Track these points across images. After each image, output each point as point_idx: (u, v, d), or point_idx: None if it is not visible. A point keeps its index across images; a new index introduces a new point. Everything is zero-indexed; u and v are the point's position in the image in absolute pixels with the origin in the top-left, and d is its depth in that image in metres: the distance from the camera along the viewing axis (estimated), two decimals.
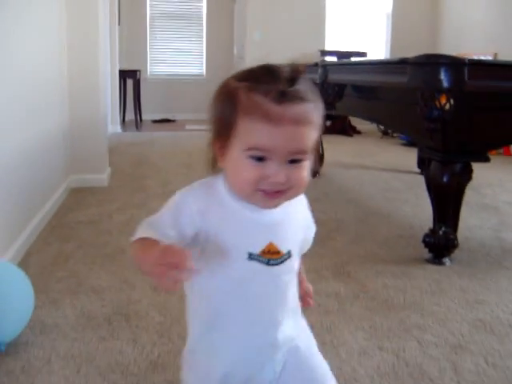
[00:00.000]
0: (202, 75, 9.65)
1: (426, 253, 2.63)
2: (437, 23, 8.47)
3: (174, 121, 9.13)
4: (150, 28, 9.31)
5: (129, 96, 8.11)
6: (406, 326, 1.96)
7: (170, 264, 0.75)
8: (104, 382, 1.58)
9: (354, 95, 3.59)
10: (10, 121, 2.46)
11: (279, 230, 0.93)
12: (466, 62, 2.32)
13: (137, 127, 7.88)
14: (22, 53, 2.70)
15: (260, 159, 0.84)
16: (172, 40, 9.49)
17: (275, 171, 0.84)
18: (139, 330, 1.89)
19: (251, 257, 0.90)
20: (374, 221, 3.30)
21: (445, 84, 2.30)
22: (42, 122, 3.17)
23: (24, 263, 2.46)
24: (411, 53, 2.64)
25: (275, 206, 0.90)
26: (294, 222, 0.97)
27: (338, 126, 7.50)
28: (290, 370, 0.99)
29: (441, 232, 2.54)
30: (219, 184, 0.93)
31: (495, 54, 6.77)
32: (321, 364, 1.03)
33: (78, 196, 3.76)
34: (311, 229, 1.05)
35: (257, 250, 0.90)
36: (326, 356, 1.06)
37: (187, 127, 8.26)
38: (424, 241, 2.61)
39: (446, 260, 2.59)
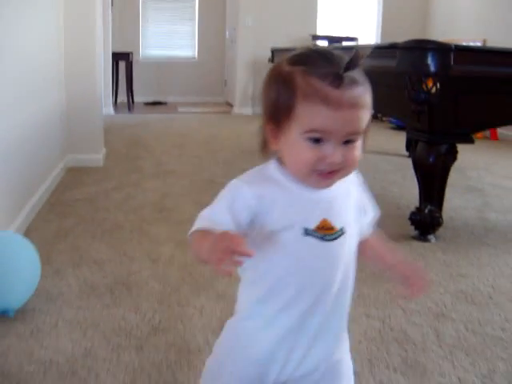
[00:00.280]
0: (194, 58, 9.70)
1: (412, 230, 2.75)
2: (427, 9, 8.56)
3: (165, 103, 9.19)
4: (142, 10, 9.33)
5: (121, 78, 8.15)
6: (391, 296, 2.08)
7: (225, 249, 0.78)
8: (109, 345, 1.69)
9: None
10: (9, 102, 2.53)
11: (332, 207, 0.95)
12: (452, 47, 2.43)
13: (129, 109, 7.94)
14: (21, 35, 2.77)
15: (317, 141, 0.87)
16: (164, 22, 9.52)
17: (332, 152, 0.86)
18: (140, 299, 2.00)
19: (307, 232, 0.91)
20: None
21: (431, 68, 2.40)
22: (40, 103, 3.25)
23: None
24: (402, 38, 2.74)
25: (328, 186, 0.92)
26: (346, 201, 0.98)
27: None
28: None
29: (426, 210, 2.66)
30: (272, 168, 0.95)
31: (484, 40, 6.86)
32: None
33: (74, 175, 3.85)
34: (368, 213, 1.04)
35: (312, 226, 0.92)
36: None
37: (179, 109, 8.32)
38: (410, 218, 2.73)
39: (431, 237, 2.72)
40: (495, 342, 1.79)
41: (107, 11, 6.90)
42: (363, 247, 1.04)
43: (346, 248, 0.96)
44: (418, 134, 2.67)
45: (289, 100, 0.87)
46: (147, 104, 8.94)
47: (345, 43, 7.48)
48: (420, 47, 2.47)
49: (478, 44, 6.79)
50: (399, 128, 6.55)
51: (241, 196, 0.90)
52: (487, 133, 6.49)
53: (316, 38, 7.85)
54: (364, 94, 0.87)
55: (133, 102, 8.17)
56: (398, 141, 5.67)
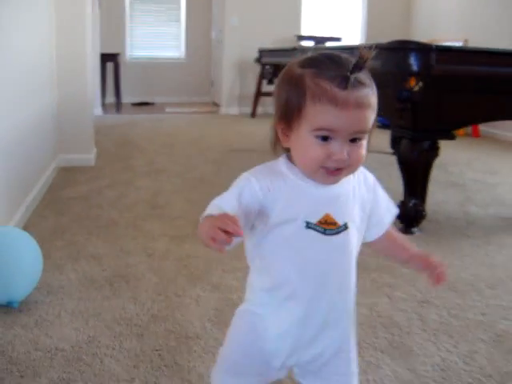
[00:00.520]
0: (181, 59, 9.77)
1: (397, 224, 2.86)
2: (410, 10, 8.69)
3: (153, 104, 9.25)
4: (130, 12, 9.39)
5: (108, 79, 8.21)
6: (378, 284, 2.19)
7: (219, 229, 0.83)
8: (111, 333, 1.78)
9: None
10: (3, 103, 2.58)
11: (336, 203, 0.99)
12: (433, 47, 2.54)
13: (117, 110, 8.00)
14: (14, 37, 2.83)
15: (325, 139, 0.92)
16: (151, 24, 9.58)
17: (339, 149, 0.92)
18: (138, 290, 2.09)
19: (308, 225, 0.97)
20: None
21: (414, 68, 2.52)
22: (34, 105, 3.32)
23: None
24: (385, 38, 2.85)
25: (334, 182, 0.98)
26: (351, 199, 1.02)
27: None
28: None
29: (410, 204, 2.77)
30: (280, 164, 1.01)
31: (466, 40, 7.01)
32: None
33: (67, 174, 3.92)
34: (382, 211, 1.09)
35: (314, 220, 0.97)
36: None
37: (167, 110, 8.40)
38: None
39: (415, 230, 2.83)
40: (476, 326, 1.90)
41: (95, 12, 6.95)
42: (380, 244, 1.11)
43: (349, 243, 1.01)
44: (402, 131, 2.79)
45: (299, 100, 0.93)
46: (135, 105, 9.00)
47: (329, 43, 7.60)
48: (403, 48, 2.58)
49: (460, 44, 6.94)
50: (384, 126, 6.66)
51: (249, 188, 0.96)
52: (469, 130, 6.64)
53: (301, 38, 7.95)
54: (370, 94, 0.93)
55: (120, 102, 8.23)
56: (382, 139, 5.76)
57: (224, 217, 0.86)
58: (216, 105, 8.98)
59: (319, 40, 7.68)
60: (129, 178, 3.87)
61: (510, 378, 1.60)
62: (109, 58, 7.97)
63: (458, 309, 2.03)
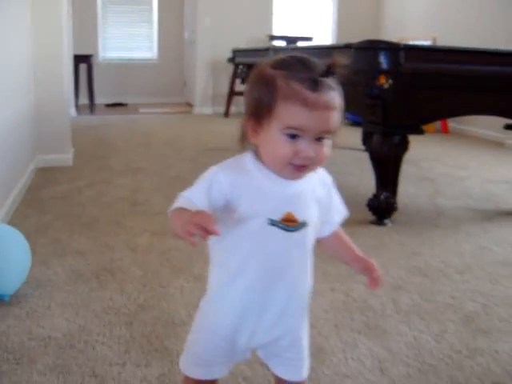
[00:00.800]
0: (154, 59, 9.81)
1: (369, 216, 2.99)
2: (380, 10, 8.86)
3: (126, 104, 9.27)
4: (102, 13, 9.40)
5: (81, 80, 8.22)
6: (353, 272, 2.25)
7: (197, 224, 0.89)
8: (101, 322, 1.86)
9: None
10: None
11: (297, 201, 1.05)
12: (402, 46, 2.66)
13: (91, 111, 8.01)
14: None
15: (293, 137, 0.97)
16: (123, 25, 9.60)
17: (306, 147, 0.98)
18: (124, 282, 2.17)
19: (272, 223, 1.02)
20: None
21: (383, 66, 2.64)
22: (12, 106, 3.36)
23: None
24: (356, 38, 2.98)
25: (300, 177, 1.03)
26: (311, 198, 1.08)
27: None
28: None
29: (382, 196, 2.89)
30: (247, 160, 1.05)
31: (434, 39, 7.19)
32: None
33: (46, 175, 3.97)
34: (334, 212, 1.15)
35: (277, 217, 1.02)
36: None
37: (141, 110, 8.44)
38: (368, 205, 2.96)
39: (387, 221, 2.95)
40: (446, 308, 2.02)
41: (68, 13, 6.97)
42: (327, 242, 1.18)
43: (307, 239, 1.08)
44: (373, 127, 2.91)
45: (270, 99, 0.98)
46: (108, 105, 9.02)
47: (300, 43, 7.72)
48: (373, 47, 2.70)
49: (429, 43, 7.12)
50: (355, 124, 6.81)
51: (217, 182, 1.02)
52: (439, 126, 6.81)
53: (273, 38, 8.06)
54: (336, 97, 0.99)
55: (94, 103, 8.25)
56: (354, 136, 5.91)
57: (203, 215, 0.91)
58: (189, 105, 9.05)
59: (291, 40, 7.80)
60: (107, 177, 3.93)
61: (477, 353, 1.72)
62: (82, 60, 7.98)
63: (428, 293, 2.15)
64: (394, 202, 2.93)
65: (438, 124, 6.80)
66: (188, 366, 1.15)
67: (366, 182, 3.71)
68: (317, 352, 1.67)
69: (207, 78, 8.30)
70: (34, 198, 3.37)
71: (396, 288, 2.18)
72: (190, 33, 8.89)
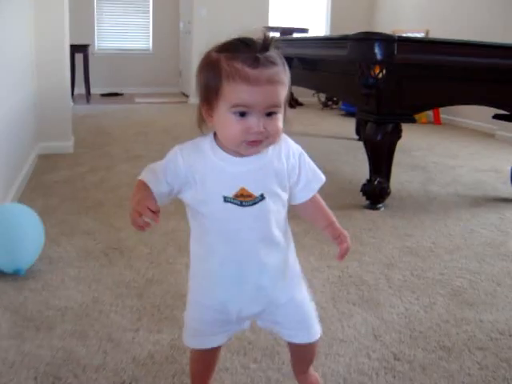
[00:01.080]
0: (149, 50, 9.89)
1: (363, 201, 3.12)
2: (374, 2, 8.97)
3: (122, 94, 9.35)
4: (97, 3, 9.46)
5: (77, 70, 8.29)
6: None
7: (138, 212, 1.02)
8: (113, 294, 1.98)
9: (300, 68, 4.02)
10: None
11: (252, 176, 1.10)
12: (396, 38, 2.78)
13: (87, 100, 8.10)
14: None
15: (242, 114, 1.02)
16: (119, 15, 9.67)
17: (255, 123, 1.03)
18: (132, 259, 2.29)
19: (226, 199, 1.09)
20: None
21: (378, 57, 2.76)
22: (15, 94, 3.45)
23: None
24: (350, 29, 3.10)
25: (256, 152, 1.09)
26: (268, 171, 1.12)
27: None
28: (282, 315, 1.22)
29: (376, 182, 3.02)
30: (206, 142, 1.13)
31: (427, 31, 7.32)
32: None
33: (48, 161, 4.07)
34: (302, 179, 1.18)
35: (230, 194, 1.09)
36: None
37: (137, 100, 8.52)
38: (362, 190, 3.09)
39: (381, 206, 3.09)
40: (435, 283, 2.16)
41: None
42: (304, 208, 1.23)
43: (267, 211, 1.12)
44: (367, 115, 3.03)
45: (216, 82, 1.04)
46: (104, 95, 9.10)
47: (296, 34, 7.82)
48: (368, 38, 2.82)
49: (422, 35, 7.25)
50: (349, 114, 6.95)
51: (175, 162, 1.12)
52: (431, 117, 6.95)
53: (269, 29, 8.15)
54: (280, 72, 1.04)
55: (90, 93, 8.32)
56: (348, 126, 6.07)
57: (143, 204, 1.03)
58: (185, 95, 9.14)
59: (287, 31, 7.89)
60: (108, 164, 4.04)
61: (463, 323, 1.86)
62: (78, 49, 8.04)
63: (419, 270, 2.29)
64: (388, 187, 3.06)
65: (430, 115, 6.93)
66: (187, 338, 1.26)
67: (360, 169, 3.85)
68: None
69: None
70: (38, 183, 3.47)
71: (389, 266, 2.31)
72: (185, 23, 8.97)
